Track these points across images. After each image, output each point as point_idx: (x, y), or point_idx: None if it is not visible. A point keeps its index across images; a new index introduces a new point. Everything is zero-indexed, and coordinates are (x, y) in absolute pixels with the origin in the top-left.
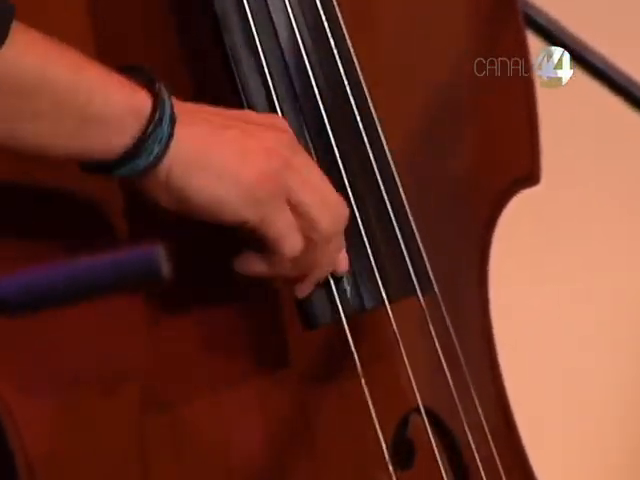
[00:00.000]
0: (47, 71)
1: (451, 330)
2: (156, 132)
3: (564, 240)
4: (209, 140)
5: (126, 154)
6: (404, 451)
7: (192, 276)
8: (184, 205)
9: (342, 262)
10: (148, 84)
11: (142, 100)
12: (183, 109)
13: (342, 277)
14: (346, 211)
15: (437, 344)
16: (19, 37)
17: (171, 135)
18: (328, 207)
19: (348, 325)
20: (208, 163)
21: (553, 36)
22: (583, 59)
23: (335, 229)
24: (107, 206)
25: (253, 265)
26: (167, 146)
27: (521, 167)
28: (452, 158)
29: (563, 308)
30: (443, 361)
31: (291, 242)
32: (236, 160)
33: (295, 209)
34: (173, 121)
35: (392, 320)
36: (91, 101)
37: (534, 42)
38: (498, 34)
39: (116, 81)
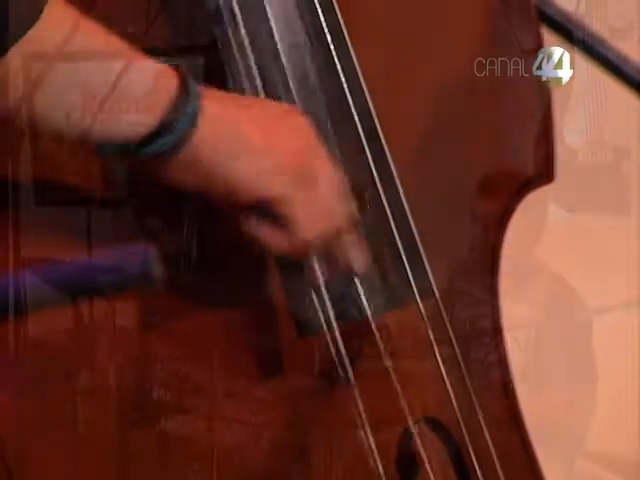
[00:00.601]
0: (78, 39)
1: (451, 335)
2: (186, 105)
3: (570, 237)
4: (235, 116)
5: (157, 130)
6: (408, 464)
7: (185, 282)
8: (211, 184)
9: (361, 260)
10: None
11: (169, 74)
12: (203, 88)
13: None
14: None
15: (437, 351)
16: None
17: (199, 109)
18: (344, 197)
19: (344, 333)
20: (236, 139)
21: (566, 30)
22: (596, 52)
23: (346, 220)
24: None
25: (272, 237)
26: (196, 120)
27: (535, 165)
28: (461, 158)
29: (567, 307)
30: (442, 367)
31: (309, 228)
32: (263, 138)
33: (316, 194)
34: (200, 96)
35: (388, 329)
36: (123, 73)
37: (548, 38)
38: (507, 34)
39: (142, 56)
